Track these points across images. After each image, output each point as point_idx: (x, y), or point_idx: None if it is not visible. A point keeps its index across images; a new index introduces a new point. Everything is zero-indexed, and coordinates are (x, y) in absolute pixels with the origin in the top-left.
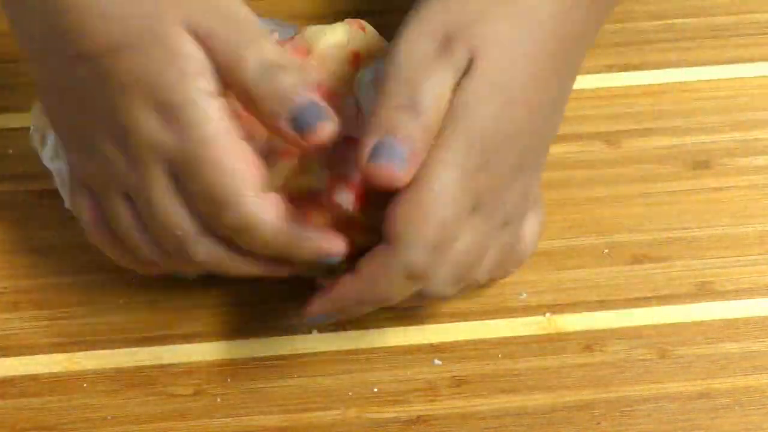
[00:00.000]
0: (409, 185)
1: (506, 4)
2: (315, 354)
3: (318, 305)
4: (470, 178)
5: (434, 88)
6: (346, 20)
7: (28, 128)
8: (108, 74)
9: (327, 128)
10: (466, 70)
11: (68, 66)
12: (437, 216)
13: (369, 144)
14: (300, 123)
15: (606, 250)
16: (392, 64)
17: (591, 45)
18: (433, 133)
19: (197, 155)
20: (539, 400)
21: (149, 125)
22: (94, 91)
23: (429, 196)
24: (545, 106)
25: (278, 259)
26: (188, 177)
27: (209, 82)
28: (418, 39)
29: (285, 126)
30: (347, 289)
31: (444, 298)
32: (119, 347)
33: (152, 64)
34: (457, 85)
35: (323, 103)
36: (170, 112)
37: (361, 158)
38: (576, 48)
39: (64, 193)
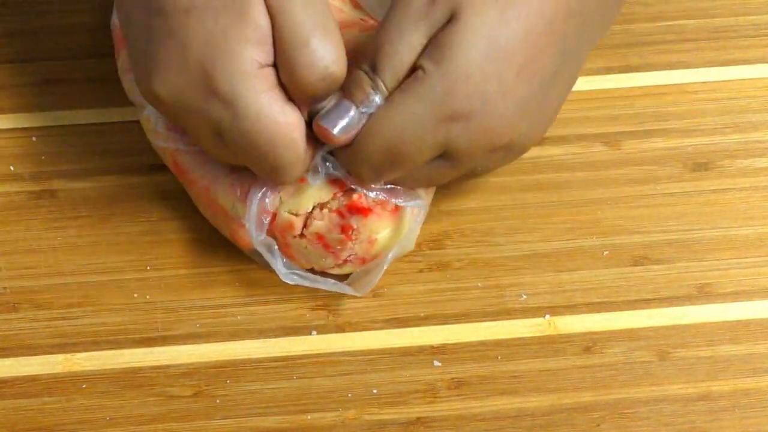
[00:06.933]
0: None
1: None
2: (314, 355)
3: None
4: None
5: (396, 52)
6: None
7: (28, 128)
8: (174, 31)
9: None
10: (444, 25)
11: (149, 19)
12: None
13: (331, 99)
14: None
15: (606, 252)
16: (384, 17)
17: (595, 35)
18: (385, 95)
19: (241, 128)
20: (539, 401)
21: (196, 95)
22: (160, 43)
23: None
24: (538, 75)
25: None
26: (232, 144)
27: (267, 55)
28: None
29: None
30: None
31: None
32: (119, 348)
33: (217, 25)
34: (432, 39)
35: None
36: (219, 85)
37: (319, 112)
38: (579, 30)
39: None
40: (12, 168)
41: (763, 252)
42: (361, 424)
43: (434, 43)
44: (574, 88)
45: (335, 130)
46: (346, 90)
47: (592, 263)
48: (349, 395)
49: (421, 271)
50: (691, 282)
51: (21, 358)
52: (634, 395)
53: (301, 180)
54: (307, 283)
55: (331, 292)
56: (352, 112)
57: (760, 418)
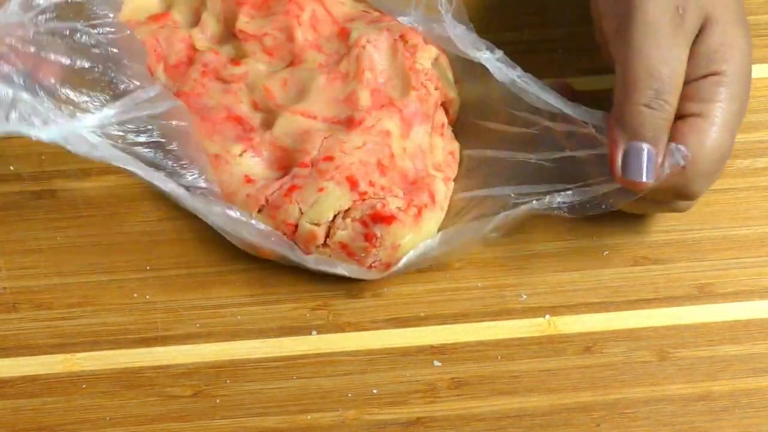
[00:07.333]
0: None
1: None
2: (314, 355)
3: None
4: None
5: (673, 71)
6: None
7: None
8: None
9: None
10: (699, 33)
11: None
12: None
13: (619, 149)
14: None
15: (606, 252)
16: (631, 48)
17: None
18: (672, 117)
19: None
20: (538, 401)
21: None
22: None
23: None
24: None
25: None
26: None
27: None
28: (654, 12)
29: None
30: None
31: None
32: (119, 348)
33: None
34: (699, 47)
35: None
36: None
37: (614, 167)
38: None
39: None
40: (12, 168)
41: (763, 252)
42: (361, 424)
43: (710, 49)
44: (575, 89)
45: (645, 178)
46: (630, 131)
47: (592, 263)
48: (349, 395)
49: (421, 271)
50: (691, 282)
51: (21, 358)
52: (634, 395)
53: (320, 189)
54: (328, 268)
55: (333, 291)
56: (646, 153)
57: (760, 418)
